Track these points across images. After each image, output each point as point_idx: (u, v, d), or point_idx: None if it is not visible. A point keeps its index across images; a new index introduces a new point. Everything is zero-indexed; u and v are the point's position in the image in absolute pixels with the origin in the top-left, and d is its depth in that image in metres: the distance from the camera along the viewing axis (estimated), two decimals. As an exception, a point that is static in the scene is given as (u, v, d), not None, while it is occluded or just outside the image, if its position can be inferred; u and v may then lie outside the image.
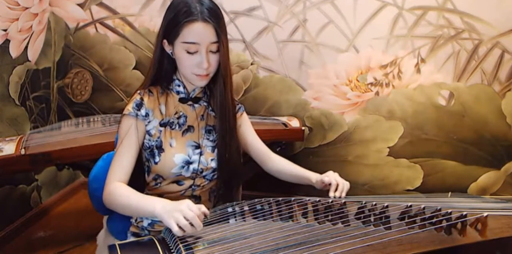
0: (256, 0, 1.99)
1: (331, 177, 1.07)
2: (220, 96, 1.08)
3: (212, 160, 1.11)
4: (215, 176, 1.14)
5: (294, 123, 2.00)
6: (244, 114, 1.22)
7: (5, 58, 1.86)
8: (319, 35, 1.99)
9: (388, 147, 2.07)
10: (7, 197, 1.91)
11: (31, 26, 2.00)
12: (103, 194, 1.00)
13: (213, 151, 1.12)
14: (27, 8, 1.95)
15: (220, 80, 1.06)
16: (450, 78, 1.93)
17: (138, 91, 1.08)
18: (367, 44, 1.96)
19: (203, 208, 0.87)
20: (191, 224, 0.84)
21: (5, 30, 1.83)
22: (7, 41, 1.85)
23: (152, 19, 2.15)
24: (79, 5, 2.20)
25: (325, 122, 2.12)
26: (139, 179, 1.15)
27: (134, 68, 2.25)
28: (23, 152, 1.56)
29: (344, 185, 1.07)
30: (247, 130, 1.22)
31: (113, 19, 2.20)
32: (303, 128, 1.97)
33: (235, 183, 1.16)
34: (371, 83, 2.02)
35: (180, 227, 0.83)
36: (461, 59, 1.90)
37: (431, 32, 1.89)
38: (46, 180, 2.20)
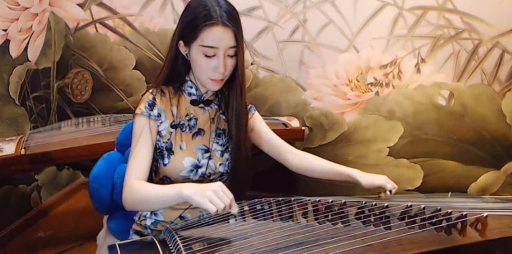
0: (256, 0, 1.99)
1: (388, 187, 1.10)
2: (237, 103, 1.07)
3: (220, 164, 1.11)
4: (223, 180, 1.14)
5: (294, 123, 2.00)
6: (256, 113, 1.21)
7: (5, 58, 1.86)
8: (319, 35, 1.99)
9: (388, 147, 2.07)
10: (7, 197, 1.91)
11: (31, 26, 2.00)
12: (122, 195, 0.98)
13: (221, 155, 1.11)
14: (27, 8, 1.95)
15: (237, 86, 1.05)
16: (450, 78, 1.93)
17: (150, 91, 1.06)
18: (367, 44, 1.96)
19: (233, 199, 0.86)
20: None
21: (5, 30, 1.83)
22: (7, 41, 1.85)
23: (152, 19, 2.15)
24: (79, 5, 2.20)
25: (325, 122, 2.12)
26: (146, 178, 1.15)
27: (134, 68, 2.25)
28: (23, 152, 1.57)
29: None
30: (262, 128, 1.19)
31: (113, 19, 2.20)
32: (303, 128, 1.97)
33: (245, 187, 1.14)
34: (371, 83, 2.01)
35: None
36: (461, 59, 1.90)
37: (431, 32, 1.89)
38: (46, 180, 2.20)
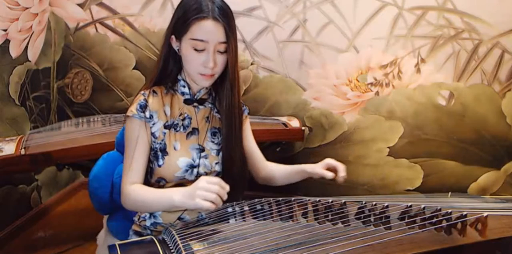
0: (256, 0, 1.99)
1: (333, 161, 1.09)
2: (227, 100, 1.06)
3: (216, 163, 1.10)
4: None
5: (294, 123, 2.00)
6: (247, 118, 1.20)
7: (5, 58, 1.86)
8: (319, 35, 1.99)
9: (388, 147, 2.07)
10: (7, 197, 1.91)
11: (31, 26, 2.00)
12: (121, 199, 1.02)
13: (217, 154, 1.11)
14: (27, 8, 1.95)
15: (227, 83, 1.04)
16: (450, 78, 1.93)
17: (142, 92, 1.06)
18: (367, 44, 1.96)
19: (222, 181, 0.88)
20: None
21: (5, 30, 1.82)
22: (7, 41, 1.85)
23: (152, 19, 2.15)
24: (79, 5, 2.20)
25: (325, 122, 2.12)
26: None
27: (134, 68, 2.25)
28: (23, 152, 1.56)
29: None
30: (247, 135, 1.19)
31: (113, 19, 2.20)
32: (303, 128, 1.97)
33: (240, 187, 1.12)
34: (371, 83, 2.02)
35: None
36: (461, 59, 1.90)
37: (431, 32, 1.89)
38: (46, 180, 2.20)
